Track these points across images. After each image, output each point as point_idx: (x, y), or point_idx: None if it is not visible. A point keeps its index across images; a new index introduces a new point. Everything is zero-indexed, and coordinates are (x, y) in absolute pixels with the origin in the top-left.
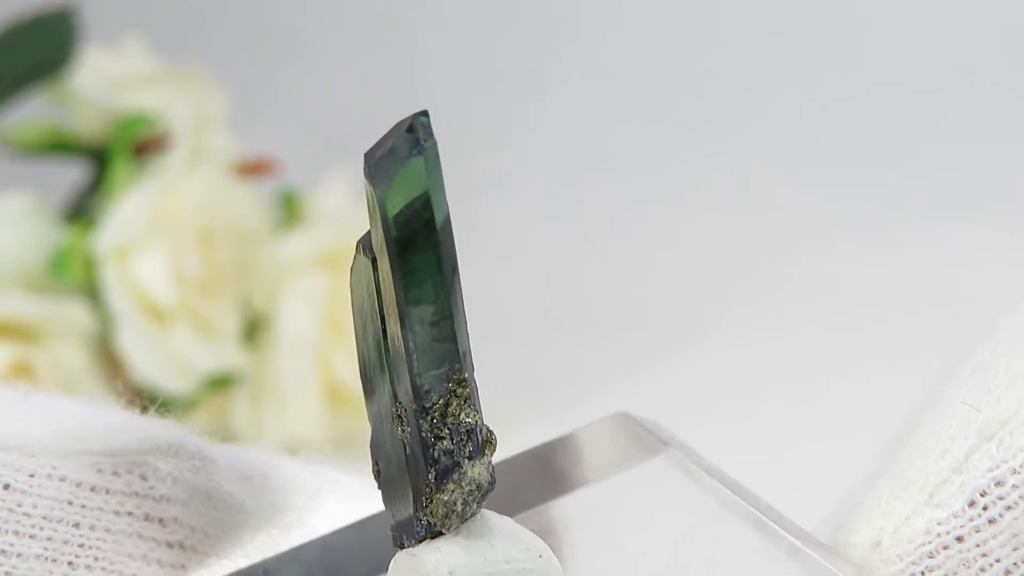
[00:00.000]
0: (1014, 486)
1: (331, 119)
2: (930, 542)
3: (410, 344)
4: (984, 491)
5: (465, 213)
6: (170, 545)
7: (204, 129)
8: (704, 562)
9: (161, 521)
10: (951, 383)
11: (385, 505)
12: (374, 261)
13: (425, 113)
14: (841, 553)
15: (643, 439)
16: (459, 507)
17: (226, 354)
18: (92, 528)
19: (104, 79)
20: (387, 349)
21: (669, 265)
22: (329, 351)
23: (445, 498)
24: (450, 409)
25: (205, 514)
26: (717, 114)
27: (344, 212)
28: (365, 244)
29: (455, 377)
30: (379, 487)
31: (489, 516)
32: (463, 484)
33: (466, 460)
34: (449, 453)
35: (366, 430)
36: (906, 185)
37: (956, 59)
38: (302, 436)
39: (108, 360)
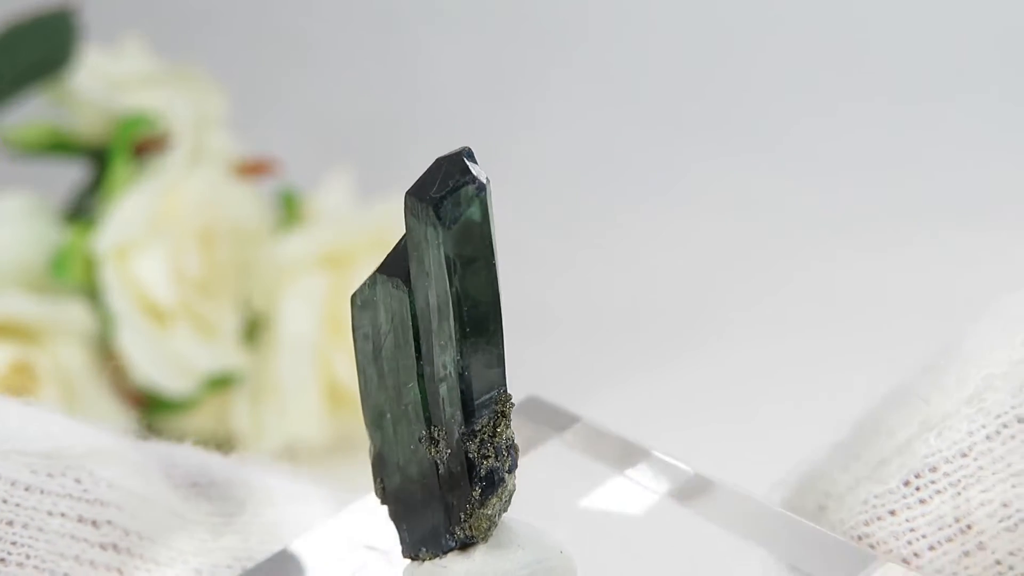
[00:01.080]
0: (945, 473)
1: (331, 119)
2: (867, 512)
3: (466, 373)
4: (919, 474)
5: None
6: (103, 547)
7: (204, 129)
8: (603, 527)
9: (95, 523)
10: (909, 376)
11: (393, 520)
12: (410, 293)
13: (471, 153)
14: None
15: (552, 420)
16: (496, 518)
17: (226, 354)
18: (25, 527)
19: (104, 79)
20: (420, 375)
21: (671, 268)
22: (329, 351)
23: (488, 512)
24: (497, 430)
25: (141, 517)
26: (720, 118)
27: (344, 212)
28: (391, 275)
29: (502, 399)
30: (385, 503)
31: (506, 520)
32: (503, 497)
33: (507, 474)
34: (495, 471)
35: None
36: (907, 189)
37: (956, 64)
38: (302, 436)
39: (108, 360)
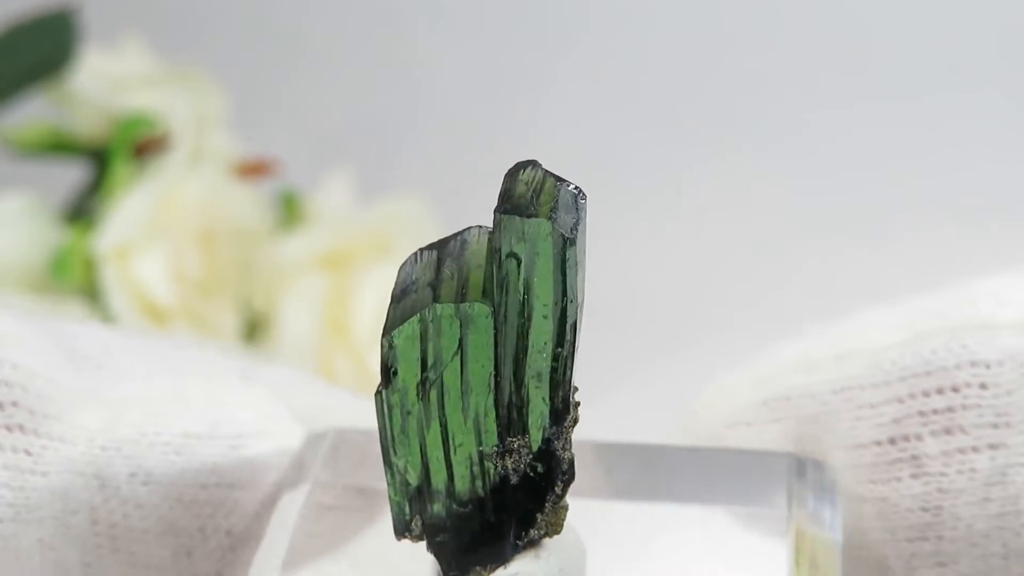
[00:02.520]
0: (796, 406)
1: (331, 119)
2: (730, 417)
3: (568, 372)
4: (776, 398)
5: (466, 213)
6: (9, 428)
7: (204, 129)
8: None
9: (0, 405)
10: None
11: (434, 550)
12: (494, 314)
13: (564, 180)
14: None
15: None
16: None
17: None
18: None
19: (104, 79)
20: (496, 384)
21: (670, 267)
22: (329, 351)
23: (566, 503)
24: (576, 421)
25: (46, 397)
26: (719, 117)
27: (344, 212)
28: (460, 295)
29: (576, 391)
30: (420, 539)
31: None
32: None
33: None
34: (572, 461)
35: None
36: (908, 188)
37: (956, 63)
38: None
39: None
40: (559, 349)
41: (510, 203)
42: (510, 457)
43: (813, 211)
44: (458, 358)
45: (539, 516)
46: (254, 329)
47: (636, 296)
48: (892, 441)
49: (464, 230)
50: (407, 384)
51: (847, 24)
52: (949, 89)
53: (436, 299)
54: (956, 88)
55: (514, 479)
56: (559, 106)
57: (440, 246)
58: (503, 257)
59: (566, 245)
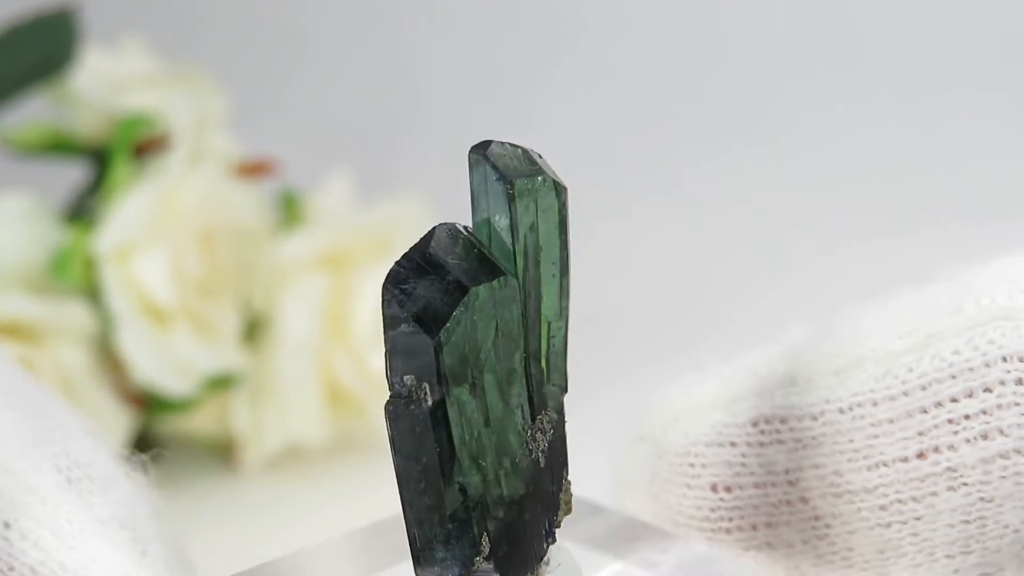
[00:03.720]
0: (791, 428)
1: (331, 119)
2: (710, 434)
3: (566, 330)
4: (768, 420)
5: (466, 213)
6: None
7: (204, 130)
8: None
9: None
10: (788, 334)
11: (500, 568)
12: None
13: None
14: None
15: None
16: None
17: (226, 355)
18: None
19: (104, 79)
20: (526, 366)
21: (669, 266)
22: (329, 352)
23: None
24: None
25: None
26: (719, 116)
27: (344, 212)
28: (490, 275)
29: None
30: (489, 558)
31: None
32: None
33: None
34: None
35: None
36: (908, 186)
37: (955, 62)
38: (302, 437)
39: (108, 361)
40: (561, 321)
41: (506, 173)
42: (543, 435)
43: (812, 211)
44: (496, 343)
45: (560, 497)
46: (254, 329)
47: (633, 296)
48: (921, 455)
49: (426, 235)
50: (461, 386)
51: (848, 26)
52: (948, 88)
53: (458, 288)
54: (955, 87)
55: (542, 461)
56: (558, 106)
57: (413, 260)
58: (522, 227)
59: (565, 195)
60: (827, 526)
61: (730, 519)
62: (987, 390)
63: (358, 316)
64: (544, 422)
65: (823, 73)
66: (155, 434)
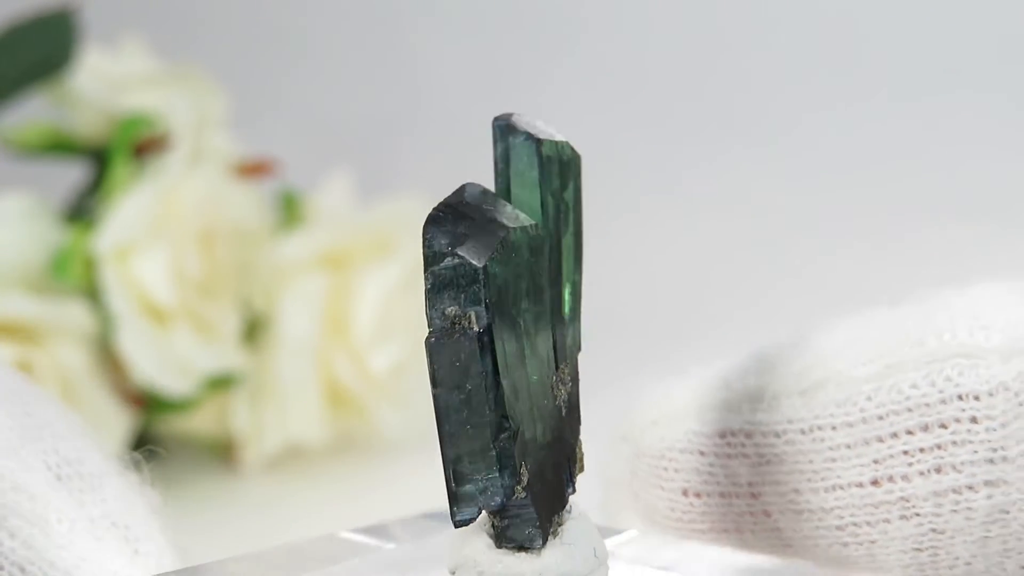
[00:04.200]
0: (755, 444)
1: (331, 119)
2: (681, 442)
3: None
4: (735, 432)
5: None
6: None
7: (204, 129)
8: None
9: None
10: (763, 344)
11: (536, 506)
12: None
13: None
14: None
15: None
16: None
17: (226, 355)
18: None
19: (104, 79)
20: (553, 313)
21: (668, 266)
22: (329, 351)
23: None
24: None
25: None
26: (717, 116)
27: (344, 212)
28: (522, 223)
29: None
30: (526, 493)
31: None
32: None
33: None
34: None
35: (367, 430)
36: (906, 186)
37: (955, 61)
38: (302, 437)
39: (108, 361)
40: (577, 283)
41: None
42: (563, 387)
43: (812, 211)
44: (529, 286)
45: (578, 450)
46: (254, 329)
47: (631, 295)
48: (875, 483)
49: (457, 190)
50: (504, 318)
51: (847, 26)
52: (948, 88)
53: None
54: (955, 87)
55: (563, 411)
56: (558, 106)
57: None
58: (550, 186)
59: (580, 161)
60: (789, 539)
61: (701, 522)
62: (942, 426)
63: (358, 316)
64: (565, 373)
65: (823, 73)
66: (155, 434)
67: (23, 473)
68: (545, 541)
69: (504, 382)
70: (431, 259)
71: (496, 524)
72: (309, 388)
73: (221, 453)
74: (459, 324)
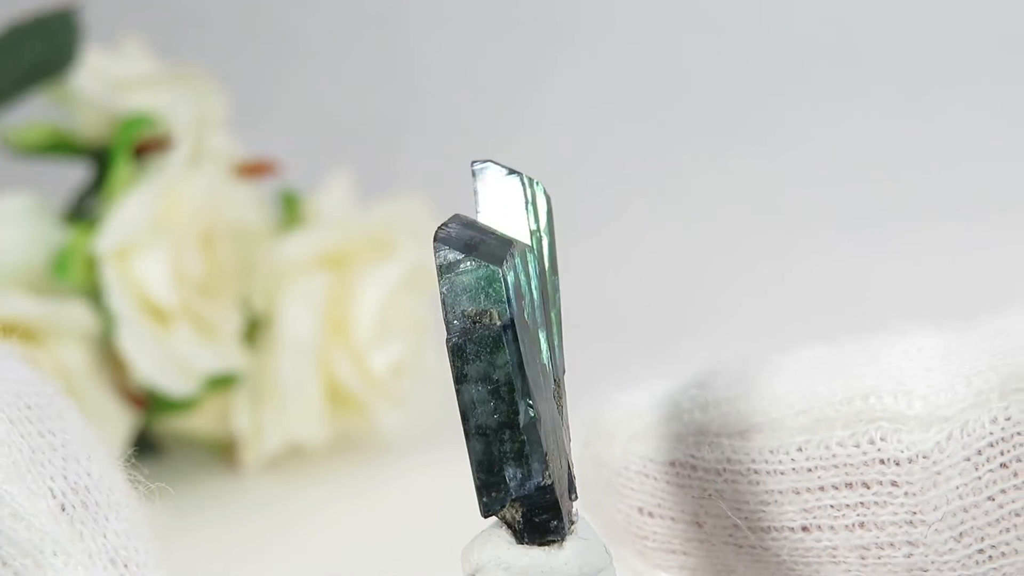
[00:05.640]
0: (700, 478)
1: (331, 119)
2: (672, 451)
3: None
4: (682, 464)
5: (466, 213)
6: None
7: (205, 130)
8: None
9: None
10: (725, 370)
11: (564, 507)
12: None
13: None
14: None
15: None
16: None
17: (227, 355)
18: None
19: (105, 80)
20: (547, 328)
21: (666, 265)
22: (329, 351)
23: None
24: None
25: None
26: (715, 114)
27: (344, 212)
28: (522, 241)
29: None
30: (551, 482)
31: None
32: None
33: None
34: None
35: (367, 430)
36: (905, 183)
37: (955, 57)
38: (302, 436)
39: (109, 361)
40: (557, 305)
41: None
42: (558, 398)
43: (812, 210)
44: (535, 294)
45: (571, 466)
46: (254, 329)
47: (627, 296)
48: (805, 529)
49: (447, 220)
50: (519, 317)
51: (845, 22)
52: (948, 88)
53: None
54: (955, 85)
55: (561, 420)
56: (557, 105)
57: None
58: (536, 220)
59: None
60: (732, 568)
61: (652, 540)
62: (865, 485)
63: (358, 316)
64: (559, 385)
65: (822, 73)
66: (155, 434)
67: (24, 500)
68: (566, 534)
69: (528, 371)
70: (445, 268)
71: (518, 520)
72: (309, 388)
73: (221, 453)
74: (480, 321)
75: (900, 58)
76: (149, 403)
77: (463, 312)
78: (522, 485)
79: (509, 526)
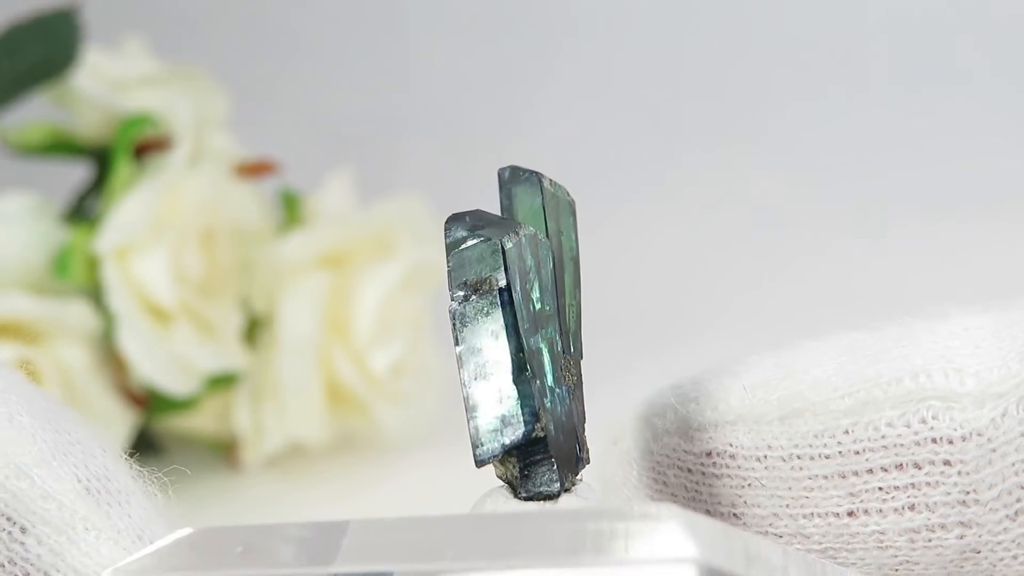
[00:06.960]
0: (739, 466)
1: (331, 119)
2: (667, 457)
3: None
4: (720, 454)
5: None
6: None
7: (205, 129)
8: None
9: None
10: (753, 361)
11: (559, 462)
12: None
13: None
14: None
15: None
16: None
17: (227, 354)
18: None
19: (105, 80)
20: (560, 316)
21: (664, 263)
22: (329, 351)
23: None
24: None
25: None
26: (713, 112)
27: (344, 212)
28: (531, 231)
29: None
30: (543, 435)
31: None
32: None
33: None
34: None
35: (368, 430)
36: (903, 182)
37: (953, 55)
38: (303, 436)
39: (110, 360)
40: (577, 300)
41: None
42: (570, 375)
43: (811, 210)
44: (541, 281)
45: (584, 438)
46: (255, 329)
47: (627, 294)
48: (851, 514)
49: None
50: (521, 288)
51: (843, 20)
52: (946, 84)
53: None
54: (953, 83)
55: (570, 396)
56: (558, 105)
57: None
58: (557, 217)
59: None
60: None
61: None
62: (916, 466)
63: (358, 316)
64: (571, 364)
65: (818, 71)
66: (156, 433)
67: (53, 483)
68: (562, 489)
69: (523, 332)
70: (452, 245)
71: (516, 476)
72: (310, 387)
73: (222, 452)
74: (481, 287)
75: (896, 56)
76: (149, 402)
77: (465, 281)
78: (515, 432)
79: (509, 484)
